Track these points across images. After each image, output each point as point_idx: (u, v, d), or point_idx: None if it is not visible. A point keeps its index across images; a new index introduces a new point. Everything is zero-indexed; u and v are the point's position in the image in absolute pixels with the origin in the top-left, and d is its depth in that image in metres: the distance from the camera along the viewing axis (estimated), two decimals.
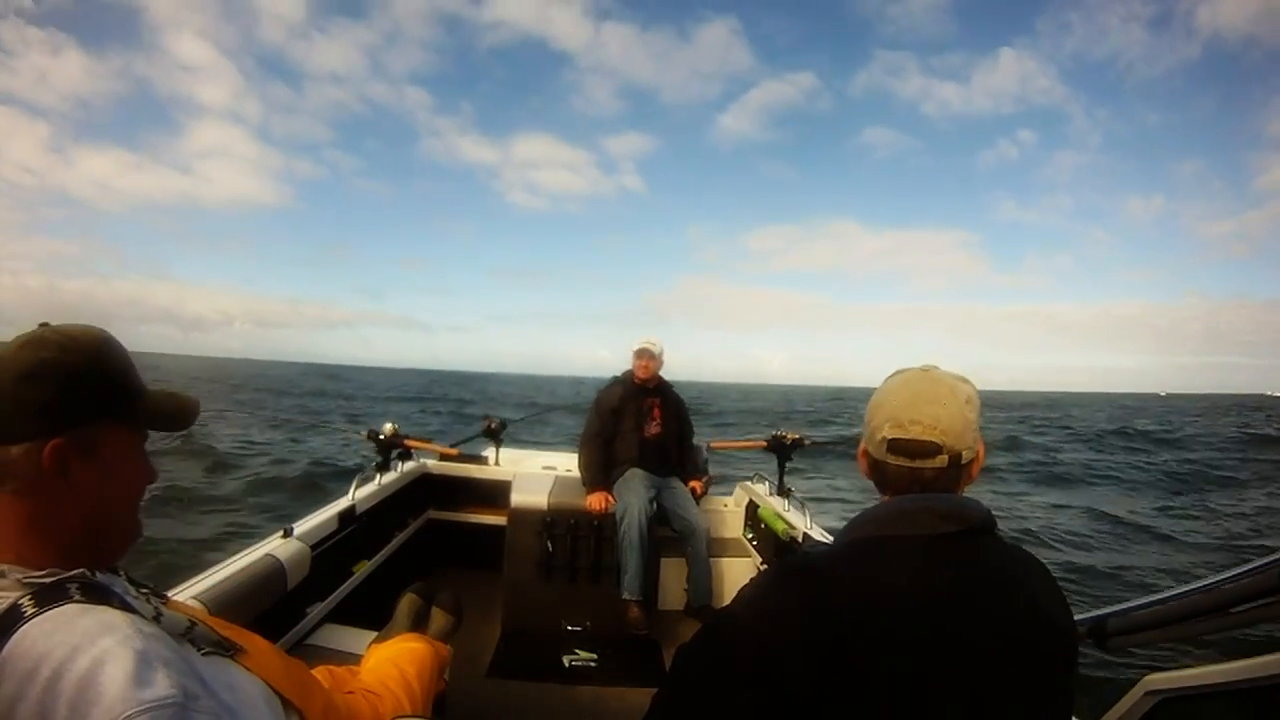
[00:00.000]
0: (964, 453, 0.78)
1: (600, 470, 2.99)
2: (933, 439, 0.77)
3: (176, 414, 0.78)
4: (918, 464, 0.78)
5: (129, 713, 0.52)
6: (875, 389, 0.86)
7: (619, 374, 3.24)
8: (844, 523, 0.81)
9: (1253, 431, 22.62)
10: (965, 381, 0.82)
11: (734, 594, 0.76)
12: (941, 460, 0.77)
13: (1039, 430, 22.98)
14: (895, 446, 0.79)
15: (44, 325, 0.69)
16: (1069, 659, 0.75)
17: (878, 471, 0.82)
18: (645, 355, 3.11)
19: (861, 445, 0.85)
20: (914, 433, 0.78)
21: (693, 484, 3.15)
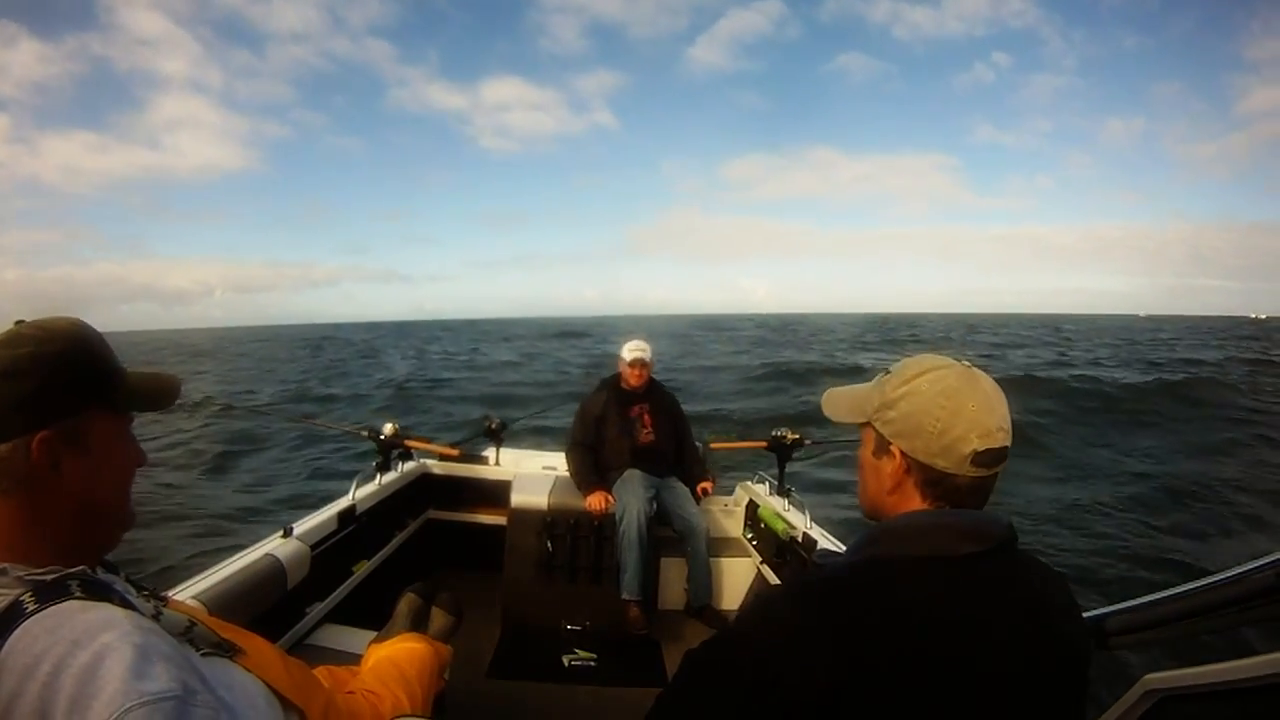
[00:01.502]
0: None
1: (590, 473, 2.98)
2: (1007, 444, 0.73)
3: (158, 394, 0.80)
4: (994, 472, 0.73)
5: (129, 705, 0.52)
6: (909, 390, 0.75)
7: (606, 377, 3.23)
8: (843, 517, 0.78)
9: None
10: None
11: (734, 594, 0.74)
12: (1005, 464, 0.74)
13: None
14: (982, 458, 0.71)
15: (20, 322, 0.70)
16: (1084, 682, 0.74)
17: (937, 484, 0.73)
18: (638, 364, 3.08)
19: (897, 450, 0.75)
20: (999, 440, 0.72)
21: (704, 484, 3.12)
